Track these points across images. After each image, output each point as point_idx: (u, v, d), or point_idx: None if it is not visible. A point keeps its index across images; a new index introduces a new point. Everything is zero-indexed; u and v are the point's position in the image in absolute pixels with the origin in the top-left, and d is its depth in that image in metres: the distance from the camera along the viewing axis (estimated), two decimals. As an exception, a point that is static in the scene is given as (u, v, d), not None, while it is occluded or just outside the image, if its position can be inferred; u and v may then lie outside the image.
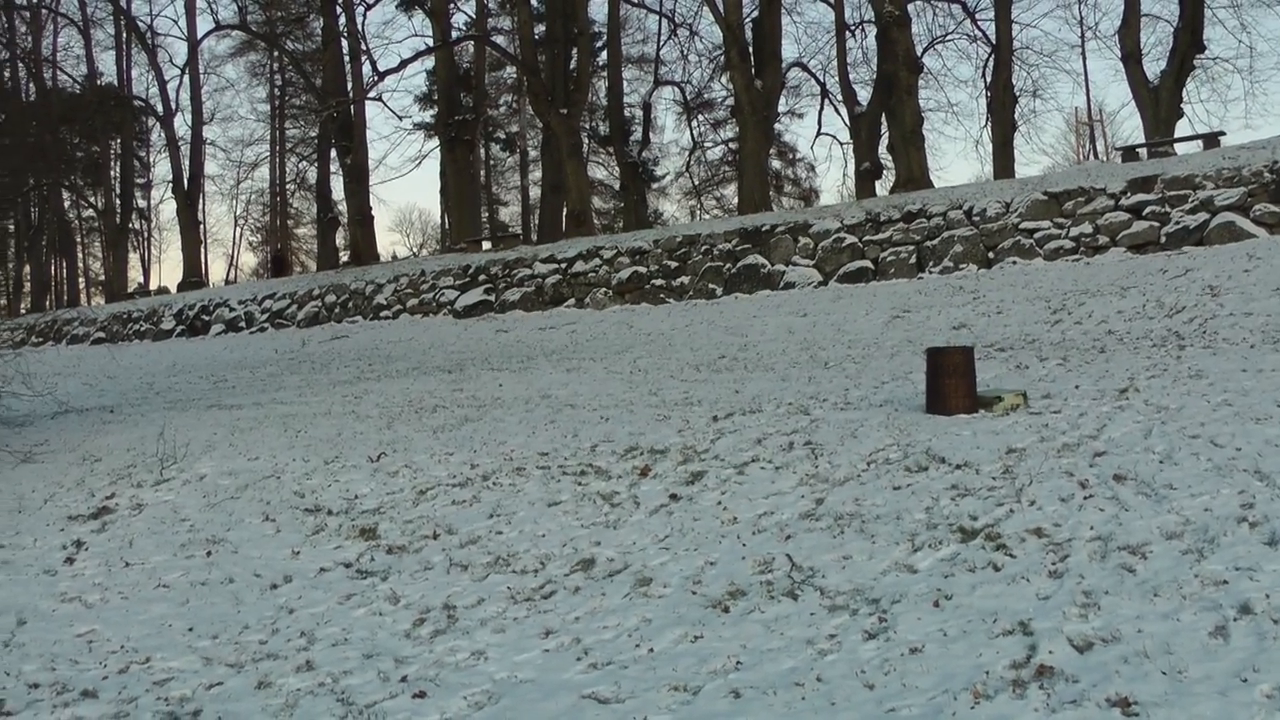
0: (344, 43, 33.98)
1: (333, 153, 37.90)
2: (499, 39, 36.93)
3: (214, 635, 6.13)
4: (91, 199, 51.04)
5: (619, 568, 6.59)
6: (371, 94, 35.28)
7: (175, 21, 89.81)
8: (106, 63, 47.41)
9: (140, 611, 6.64)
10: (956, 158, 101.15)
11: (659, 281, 20.28)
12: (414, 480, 8.94)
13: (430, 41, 32.96)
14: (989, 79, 30.14)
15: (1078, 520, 6.27)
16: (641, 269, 20.51)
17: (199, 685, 5.47)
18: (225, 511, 8.67)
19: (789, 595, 5.85)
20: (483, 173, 44.71)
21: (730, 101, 34.52)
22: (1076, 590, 5.38)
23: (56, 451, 12.31)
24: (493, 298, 21.96)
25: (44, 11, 44.19)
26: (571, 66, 30.88)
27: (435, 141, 37.53)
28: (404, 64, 29.56)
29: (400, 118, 57.75)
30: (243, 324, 26.92)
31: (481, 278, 22.49)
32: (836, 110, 37.25)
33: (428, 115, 42.86)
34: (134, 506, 9.18)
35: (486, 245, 30.90)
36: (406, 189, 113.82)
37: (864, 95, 30.70)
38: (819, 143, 55.61)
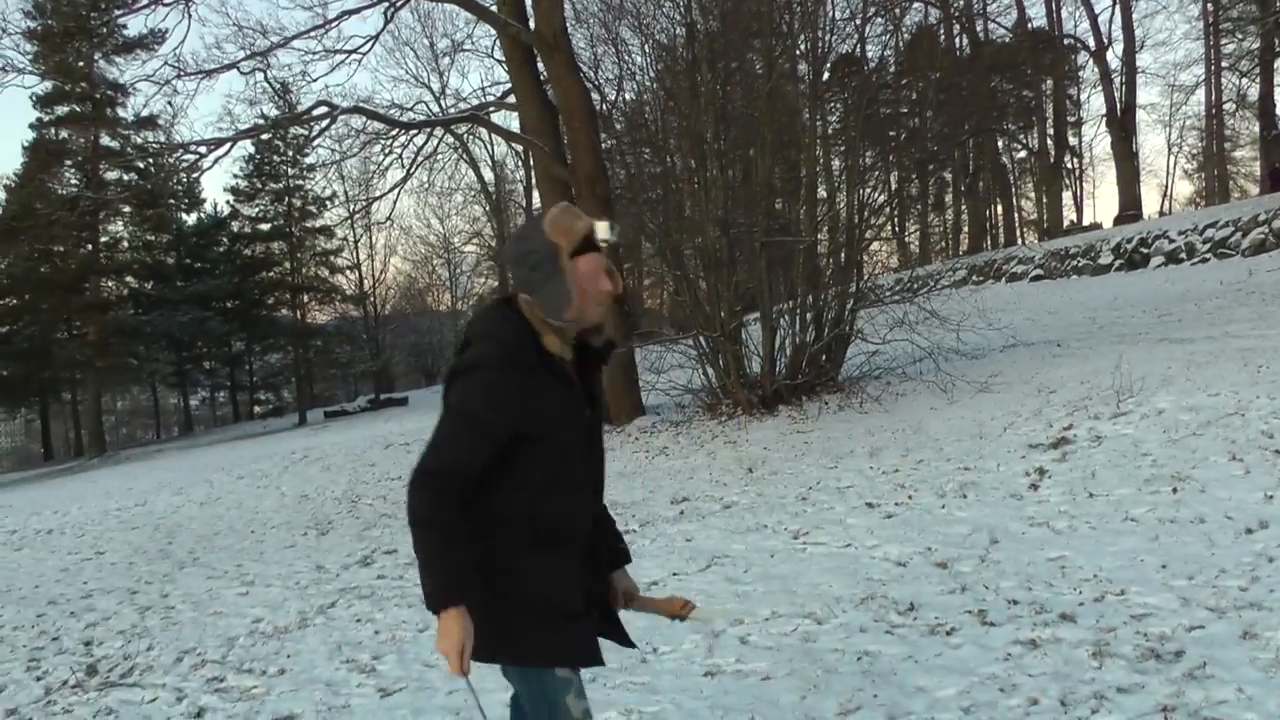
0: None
1: (1277, 63, 35.07)
2: None
3: (1189, 576, 5.85)
4: (1024, 141, 52.37)
5: None
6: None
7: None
8: (1037, 7, 48.07)
9: (1110, 543, 6.57)
10: None
11: None
12: (1406, 425, 7.92)
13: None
14: None
15: None
16: None
17: (1178, 625, 5.23)
18: (1187, 448, 8.31)
19: None
20: None
21: None
22: None
23: (1010, 382, 12.74)
24: None
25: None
26: None
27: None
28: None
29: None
30: (1183, 255, 25.90)
31: None
32: None
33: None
34: (1092, 438, 9.17)
35: None
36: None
37: None
38: None
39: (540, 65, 17.67)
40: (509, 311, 3.07)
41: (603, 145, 17.79)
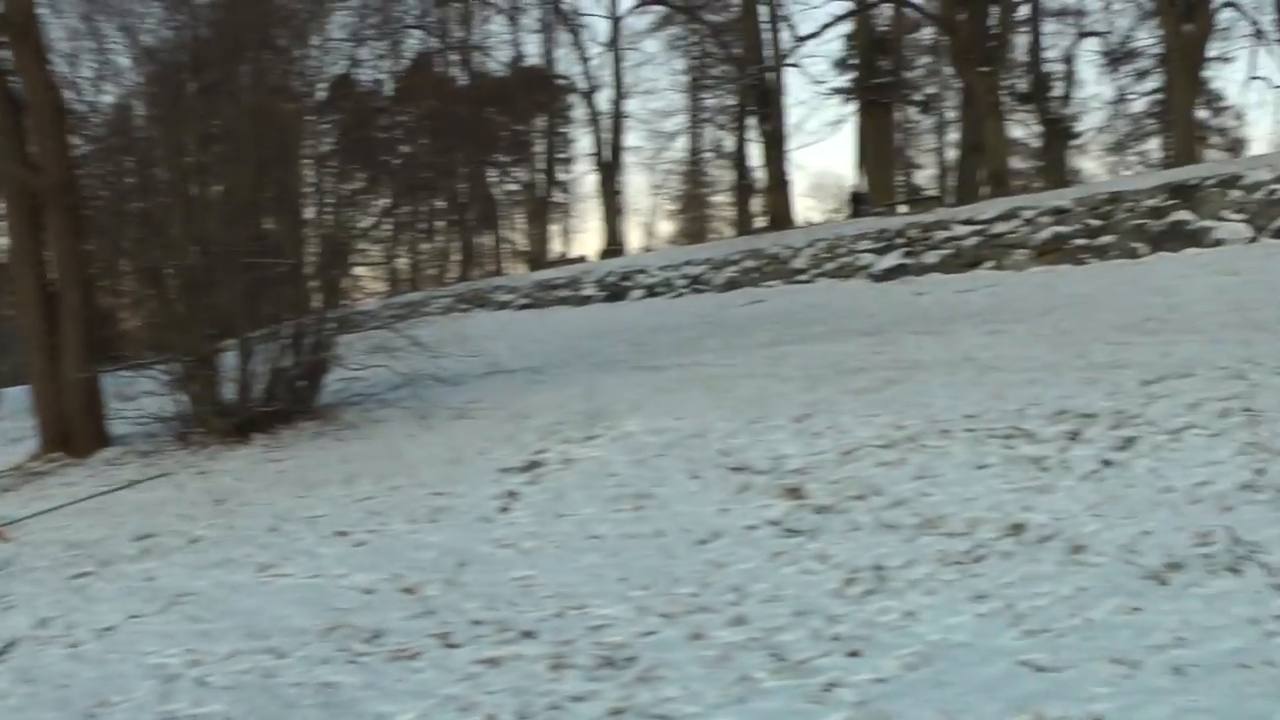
0: (761, 11, 33.91)
1: (750, 120, 38.26)
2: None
3: (645, 586, 6.13)
4: (515, 174, 53.82)
5: (1050, 534, 6.10)
6: (790, 60, 35.08)
7: (597, 0, 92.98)
8: (532, 46, 49.79)
9: (573, 560, 6.76)
10: None
11: (1080, 241, 19.05)
12: (839, 441, 8.69)
13: (849, 5, 32.75)
14: None
15: None
16: (1062, 229, 19.31)
17: (633, 633, 5.46)
18: (652, 468, 8.75)
19: (1230, 570, 5.23)
20: (897, 135, 43.90)
21: (1156, 50, 32.39)
22: None
23: (488, 408, 12.94)
24: (910, 261, 21.32)
25: (475, 1, 46.65)
26: (991, 23, 29.71)
27: (852, 106, 37.45)
28: (824, 29, 29.75)
29: (818, 83, 56.36)
30: (661, 290, 27.47)
31: (899, 241, 21.86)
32: (1270, 52, 33.98)
33: (845, 79, 42.22)
34: (563, 461, 9.44)
35: (902, 209, 30.34)
36: (820, 153, 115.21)
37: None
38: (1249, 88, 50.81)
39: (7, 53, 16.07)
40: None
41: (78, 150, 16.45)
